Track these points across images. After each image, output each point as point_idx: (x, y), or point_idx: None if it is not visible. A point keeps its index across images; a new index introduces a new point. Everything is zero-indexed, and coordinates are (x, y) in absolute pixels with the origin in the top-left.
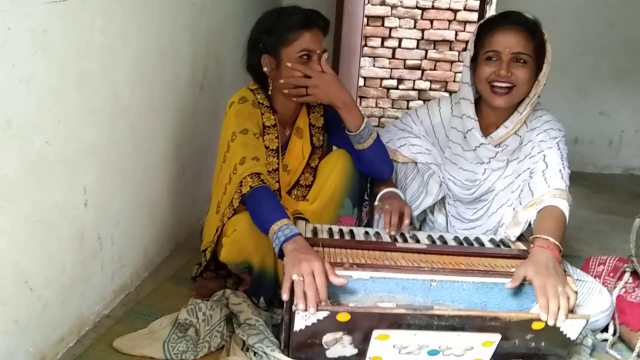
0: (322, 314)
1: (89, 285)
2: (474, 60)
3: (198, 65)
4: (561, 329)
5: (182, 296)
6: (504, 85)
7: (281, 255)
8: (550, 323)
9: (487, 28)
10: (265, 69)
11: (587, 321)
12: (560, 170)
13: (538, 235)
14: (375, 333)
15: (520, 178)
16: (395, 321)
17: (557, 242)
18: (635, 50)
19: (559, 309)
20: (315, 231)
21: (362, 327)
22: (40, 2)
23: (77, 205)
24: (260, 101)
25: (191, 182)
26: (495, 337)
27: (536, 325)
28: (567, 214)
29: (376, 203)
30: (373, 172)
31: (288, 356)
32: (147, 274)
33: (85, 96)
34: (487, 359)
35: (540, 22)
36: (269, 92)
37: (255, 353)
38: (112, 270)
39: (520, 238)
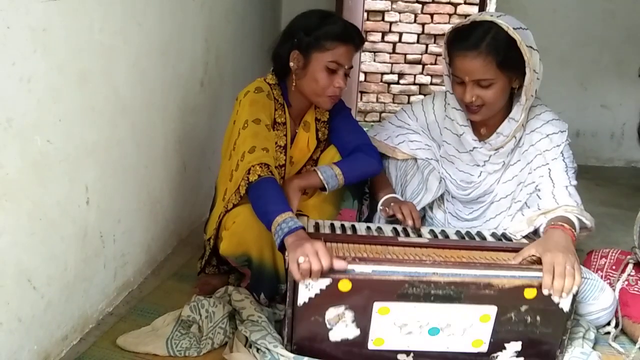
0: (325, 282)
1: (92, 283)
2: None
3: (198, 62)
4: (552, 297)
5: (185, 293)
6: (473, 105)
7: (281, 248)
8: (555, 300)
9: (451, 46)
10: (291, 64)
11: (578, 290)
12: (566, 187)
13: (556, 222)
14: (376, 306)
15: (524, 190)
16: (395, 289)
17: (570, 228)
18: (637, 42)
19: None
20: (317, 226)
21: (363, 298)
22: (39, 0)
23: (79, 204)
24: (276, 97)
25: (192, 178)
26: (492, 310)
27: (528, 293)
28: (577, 226)
29: (380, 208)
30: (366, 177)
31: (291, 352)
32: (150, 272)
33: (86, 94)
34: (487, 339)
35: (509, 27)
36: (292, 87)
37: (258, 349)
38: (114, 268)
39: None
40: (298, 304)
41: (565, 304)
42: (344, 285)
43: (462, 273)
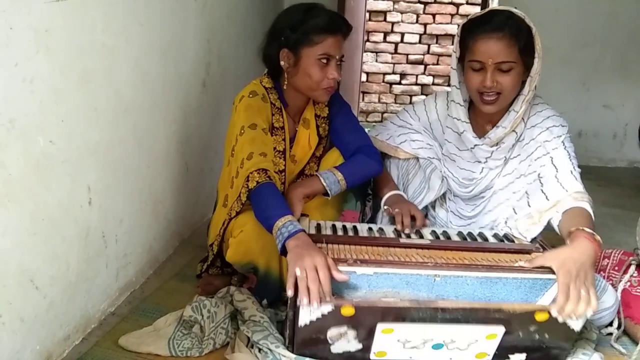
0: (327, 309)
1: (94, 283)
2: (461, 60)
3: (200, 62)
4: (560, 318)
5: (187, 293)
6: (491, 93)
7: (284, 252)
8: (560, 320)
9: (470, 33)
10: (282, 62)
11: (592, 313)
12: (571, 172)
13: (582, 227)
14: (380, 327)
15: (523, 180)
16: (400, 315)
17: (598, 239)
18: None
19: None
20: (319, 227)
21: (367, 321)
22: (42, 1)
23: (81, 204)
24: (273, 102)
25: (195, 179)
26: (499, 330)
27: (539, 317)
28: (593, 218)
29: (384, 207)
30: (367, 179)
31: (293, 352)
32: (152, 272)
33: (88, 95)
34: (491, 352)
35: (525, 17)
36: (283, 87)
37: (260, 349)
38: (116, 268)
39: (535, 240)
40: (299, 325)
41: (576, 325)
42: (347, 311)
43: (464, 275)
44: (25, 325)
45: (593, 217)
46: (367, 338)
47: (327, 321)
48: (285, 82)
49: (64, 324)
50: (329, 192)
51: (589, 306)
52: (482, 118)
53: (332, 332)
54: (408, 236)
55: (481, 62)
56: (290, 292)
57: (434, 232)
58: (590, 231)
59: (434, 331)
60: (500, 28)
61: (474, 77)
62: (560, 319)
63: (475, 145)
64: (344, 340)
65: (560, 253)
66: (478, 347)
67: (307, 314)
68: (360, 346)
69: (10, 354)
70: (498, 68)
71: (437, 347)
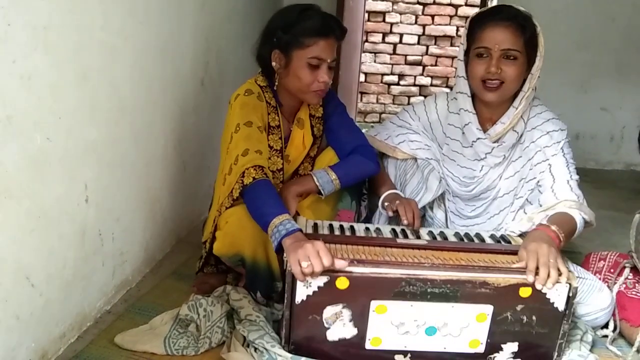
0: (322, 280)
1: (90, 281)
2: (467, 53)
3: (199, 60)
4: (547, 296)
5: (183, 292)
6: (494, 80)
7: (279, 249)
8: (538, 287)
9: (478, 23)
10: (273, 63)
11: (575, 290)
12: (568, 181)
13: (540, 223)
14: (373, 305)
15: (525, 186)
16: (392, 287)
17: (556, 230)
18: (637, 46)
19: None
20: (315, 227)
21: (360, 296)
22: None
23: (78, 202)
24: (268, 100)
25: (192, 177)
26: (488, 309)
27: (524, 292)
28: (578, 222)
29: (385, 204)
30: (363, 179)
31: (289, 352)
32: (148, 270)
33: (86, 92)
34: (484, 339)
35: (532, 15)
36: (275, 87)
37: (255, 349)
38: (113, 266)
39: (522, 235)
40: (296, 301)
41: (560, 303)
42: (342, 283)
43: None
44: (21, 322)
45: (578, 223)
46: (361, 319)
47: (323, 296)
48: (277, 83)
49: (59, 321)
50: (322, 191)
51: (559, 273)
52: (482, 115)
53: (327, 312)
54: (405, 236)
55: (487, 49)
56: (301, 278)
57: (430, 233)
58: (546, 224)
59: (426, 311)
60: (509, 18)
61: (479, 65)
62: (538, 286)
63: (478, 138)
64: (339, 323)
65: (523, 242)
66: (470, 333)
67: (304, 287)
68: (355, 331)
69: (5, 351)
70: (503, 56)
71: (430, 332)
